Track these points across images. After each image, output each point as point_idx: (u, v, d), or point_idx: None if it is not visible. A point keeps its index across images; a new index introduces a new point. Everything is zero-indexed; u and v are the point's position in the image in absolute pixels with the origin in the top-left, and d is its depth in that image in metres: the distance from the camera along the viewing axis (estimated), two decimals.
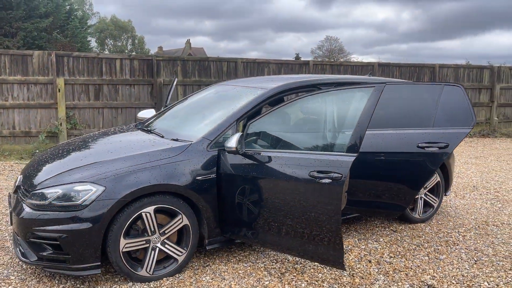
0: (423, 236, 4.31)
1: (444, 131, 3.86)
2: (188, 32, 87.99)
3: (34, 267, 3.52)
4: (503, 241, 4.23)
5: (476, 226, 4.63)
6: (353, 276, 3.45)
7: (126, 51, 59.89)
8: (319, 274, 3.47)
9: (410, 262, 3.73)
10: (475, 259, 3.80)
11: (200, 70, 9.85)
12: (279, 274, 3.47)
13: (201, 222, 3.50)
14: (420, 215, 4.62)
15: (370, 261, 3.73)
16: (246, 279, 3.38)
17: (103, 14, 76.55)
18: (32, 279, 3.35)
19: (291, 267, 3.60)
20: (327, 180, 2.90)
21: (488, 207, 5.37)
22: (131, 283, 3.28)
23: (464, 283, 3.36)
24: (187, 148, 3.46)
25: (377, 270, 3.56)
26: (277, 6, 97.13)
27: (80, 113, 9.07)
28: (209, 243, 3.56)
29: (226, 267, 3.58)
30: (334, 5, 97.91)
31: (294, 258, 3.75)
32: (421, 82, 4.86)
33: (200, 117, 4.15)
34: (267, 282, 3.34)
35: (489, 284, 3.35)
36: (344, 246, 3.96)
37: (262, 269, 3.56)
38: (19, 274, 3.42)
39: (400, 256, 3.84)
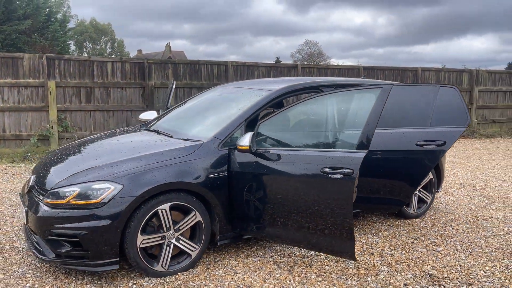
0: (419, 230, 4.54)
1: (441, 129, 4.10)
2: (167, 35, 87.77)
3: (48, 264, 3.59)
4: (493, 233, 4.49)
5: (467, 221, 4.88)
6: (359, 268, 3.63)
7: (106, 54, 59.25)
8: (326, 267, 3.64)
9: (410, 254, 3.93)
10: (470, 251, 4.03)
11: (191, 73, 9.96)
12: (289, 267, 3.62)
13: (213, 218, 3.63)
14: (415, 211, 4.85)
15: (372, 254, 3.92)
16: (257, 273, 3.53)
17: (81, 16, 75.72)
18: (48, 277, 3.42)
19: (299, 260, 3.76)
20: (338, 176, 3.08)
21: (476, 203, 5.64)
22: (147, 278, 3.39)
23: (462, 272, 3.58)
24: (199, 147, 3.59)
25: (380, 262, 3.76)
26: (256, 10, 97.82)
27: (71, 116, 9.06)
28: (220, 239, 3.69)
29: (237, 262, 3.72)
30: (312, 10, 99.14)
31: (300, 252, 3.91)
32: (419, 84, 5.10)
33: (208, 118, 4.28)
34: (278, 275, 3.49)
35: (485, 273, 3.57)
36: None
37: (271, 263, 3.71)
38: (35, 272, 3.49)
39: (400, 248, 4.05)
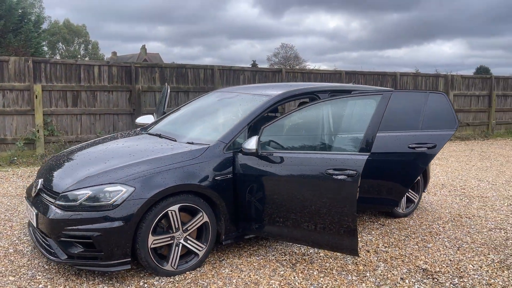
0: (409, 228, 4.79)
1: (432, 133, 4.36)
2: (141, 37, 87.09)
3: (57, 266, 3.66)
4: (477, 230, 4.78)
5: (452, 219, 5.18)
6: (357, 264, 3.84)
7: (79, 56, 58.28)
8: (327, 264, 3.84)
9: (403, 250, 4.17)
10: (458, 246, 4.30)
11: (178, 77, 10.04)
12: (291, 265, 3.80)
13: (218, 219, 3.77)
14: (404, 210, 5.11)
15: (368, 251, 4.14)
16: (262, 270, 3.69)
17: (54, 17, 74.22)
18: (59, 278, 3.49)
19: (300, 258, 3.94)
20: (342, 177, 3.28)
21: (458, 202, 5.96)
22: (157, 278, 3.50)
23: (453, 266, 3.83)
24: (205, 150, 3.73)
25: (376, 258, 3.98)
26: (231, 13, 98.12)
27: (57, 120, 9.00)
28: (225, 239, 3.84)
29: (241, 261, 3.87)
30: (287, 14, 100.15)
31: (300, 251, 4.09)
32: (410, 90, 5.39)
33: (210, 122, 4.42)
34: (282, 272, 3.66)
35: (473, 267, 3.84)
36: None
37: (274, 261, 3.88)
38: (45, 274, 3.55)
39: (393, 246, 4.29)
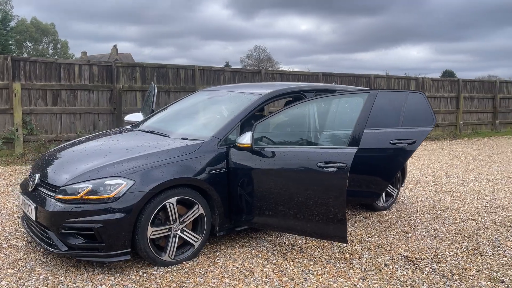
0: (389, 220, 5.08)
1: (411, 130, 4.66)
2: (111, 37, 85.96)
3: (55, 258, 3.73)
4: (451, 222, 5.12)
5: (428, 212, 5.51)
6: (343, 253, 4.08)
7: (47, 55, 56.98)
8: (315, 253, 4.06)
9: (385, 240, 4.45)
10: (434, 236, 4.61)
11: (159, 77, 10.11)
12: (282, 254, 4.01)
13: (213, 211, 3.94)
14: (384, 204, 5.40)
15: (353, 241, 4.39)
16: (255, 260, 3.88)
17: (21, 15, 72.24)
18: (58, 269, 3.57)
19: (290, 248, 4.15)
20: (333, 169, 3.51)
21: (432, 196, 6.32)
22: (155, 268, 3.64)
23: (431, 253, 4.12)
24: (201, 145, 3.89)
25: (361, 247, 4.23)
26: (202, 14, 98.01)
27: (37, 119, 8.93)
28: (220, 230, 4.00)
29: (234, 251, 4.04)
30: (258, 16, 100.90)
31: (289, 241, 4.30)
32: (393, 90, 5.69)
33: (203, 119, 4.58)
34: (274, 261, 3.86)
35: (450, 253, 4.14)
36: None
37: (265, 251, 4.08)
38: (43, 266, 3.63)
39: (376, 236, 4.56)
